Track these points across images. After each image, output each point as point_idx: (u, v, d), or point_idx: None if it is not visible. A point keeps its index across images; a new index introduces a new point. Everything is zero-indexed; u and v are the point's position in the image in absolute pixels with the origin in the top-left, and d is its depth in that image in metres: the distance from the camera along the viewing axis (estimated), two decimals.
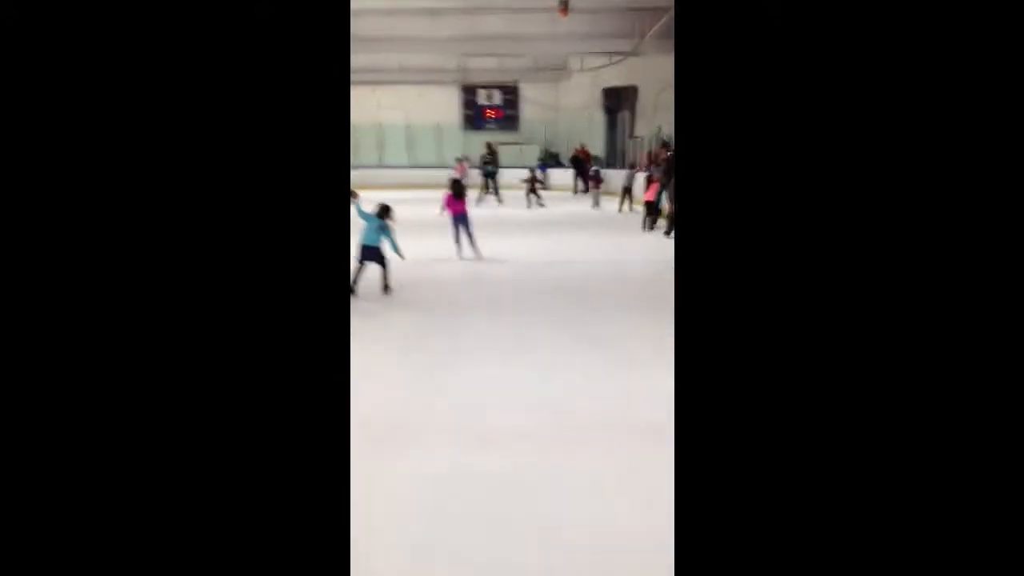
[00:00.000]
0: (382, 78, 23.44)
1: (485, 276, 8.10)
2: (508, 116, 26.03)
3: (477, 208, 14.07)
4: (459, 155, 22.90)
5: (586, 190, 19.57)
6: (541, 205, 16.56)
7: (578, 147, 22.45)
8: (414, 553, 2.49)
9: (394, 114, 25.53)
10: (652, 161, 15.52)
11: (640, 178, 14.72)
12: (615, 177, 17.42)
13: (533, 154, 23.91)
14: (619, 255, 9.54)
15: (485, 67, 23.63)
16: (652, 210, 11.94)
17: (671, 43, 5.24)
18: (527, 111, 26.08)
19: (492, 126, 25.79)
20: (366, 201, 6.94)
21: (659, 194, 11.94)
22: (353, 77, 22.45)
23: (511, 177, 19.46)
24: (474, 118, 26.00)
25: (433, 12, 16.43)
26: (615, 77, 20.69)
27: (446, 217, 9.60)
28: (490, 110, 26.00)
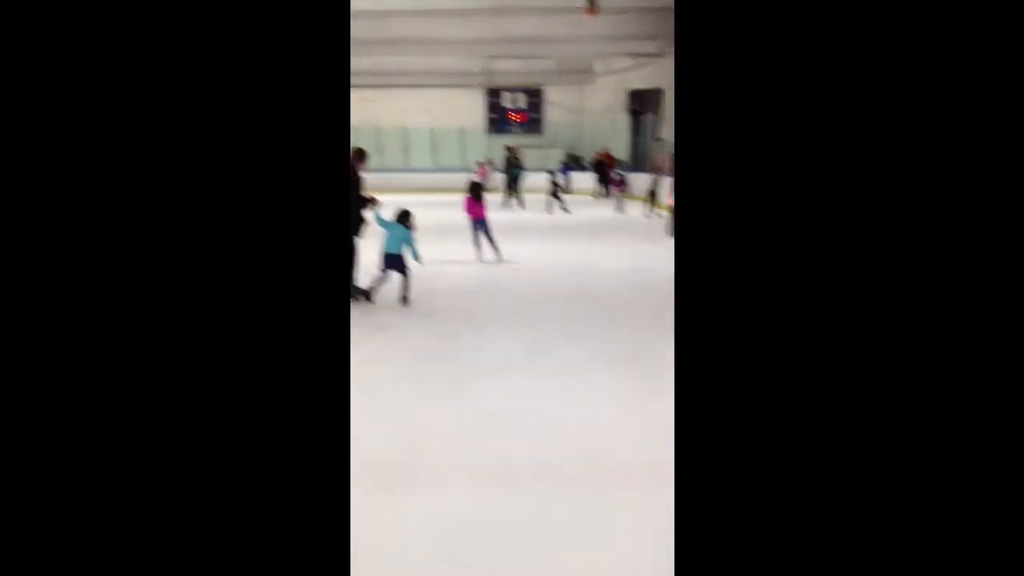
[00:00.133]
0: (409, 81, 23.35)
1: (505, 284, 7.89)
2: (532, 119, 25.82)
3: (499, 212, 13.86)
4: (480, 158, 22.72)
5: (607, 194, 19.27)
6: (565, 210, 16.22)
7: (599, 150, 22.15)
8: None
9: (420, 117, 25.42)
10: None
11: (666, 182, 14.41)
12: (640, 181, 17.13)
13: (555, 158, 23.60)
14: (643, 262, 9.32)
15: (510, 69, 23.45)
16: None
17: None
18: (551, 114, 25.88)
19: (516, 129, 25.60)
20: (389, 207, 6.74)
21: None
22: (381, 81, 22.52)
23: (532, 181, 19.17)
24: (498, 121, 25.85)
25: (464, 13, 16.37)
26: (640, 79, 20.44)
27: (467, 220, 9.55)
28: (514, 113, 25.80)
